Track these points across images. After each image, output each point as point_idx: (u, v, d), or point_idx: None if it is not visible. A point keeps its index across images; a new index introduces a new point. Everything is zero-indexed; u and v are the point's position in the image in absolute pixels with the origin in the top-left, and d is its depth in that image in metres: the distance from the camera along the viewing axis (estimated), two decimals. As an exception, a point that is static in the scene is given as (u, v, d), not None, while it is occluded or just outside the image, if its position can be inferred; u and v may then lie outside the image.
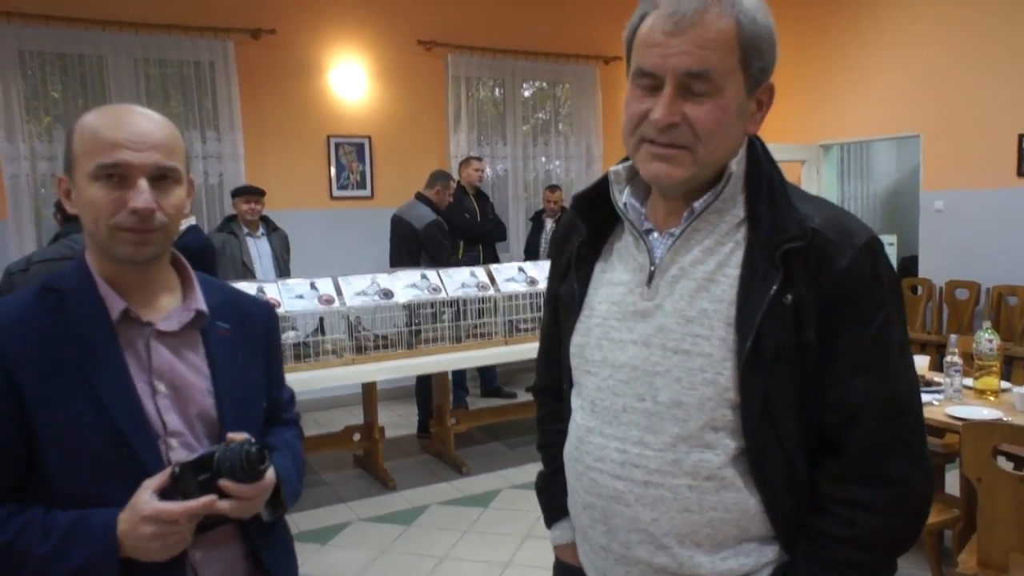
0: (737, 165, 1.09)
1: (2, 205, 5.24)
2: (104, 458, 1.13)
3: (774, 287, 1.02)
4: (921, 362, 3.49)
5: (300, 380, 4.18)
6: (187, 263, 1.30)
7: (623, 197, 1.17)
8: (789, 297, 1.02)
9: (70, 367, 1.13)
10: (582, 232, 1.20)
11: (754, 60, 1.03)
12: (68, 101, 5.51)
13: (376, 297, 4.45)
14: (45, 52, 5.38)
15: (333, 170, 6.32)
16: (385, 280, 4.53)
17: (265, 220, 5.31)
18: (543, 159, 7.20)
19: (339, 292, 4.39)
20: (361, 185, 6.43)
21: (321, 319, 4.56)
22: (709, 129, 1.02)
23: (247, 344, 1.32)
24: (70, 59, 5.46)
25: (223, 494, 1.13)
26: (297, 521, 4.03)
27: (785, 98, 7.03)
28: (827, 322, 1.03)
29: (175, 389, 1.20)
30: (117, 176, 1.13)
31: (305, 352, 4.27)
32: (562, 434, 1.28)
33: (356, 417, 5.04)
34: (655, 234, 1.14)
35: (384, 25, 6.37)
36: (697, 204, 1.09)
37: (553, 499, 1.35)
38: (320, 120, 6.23)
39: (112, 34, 5.46)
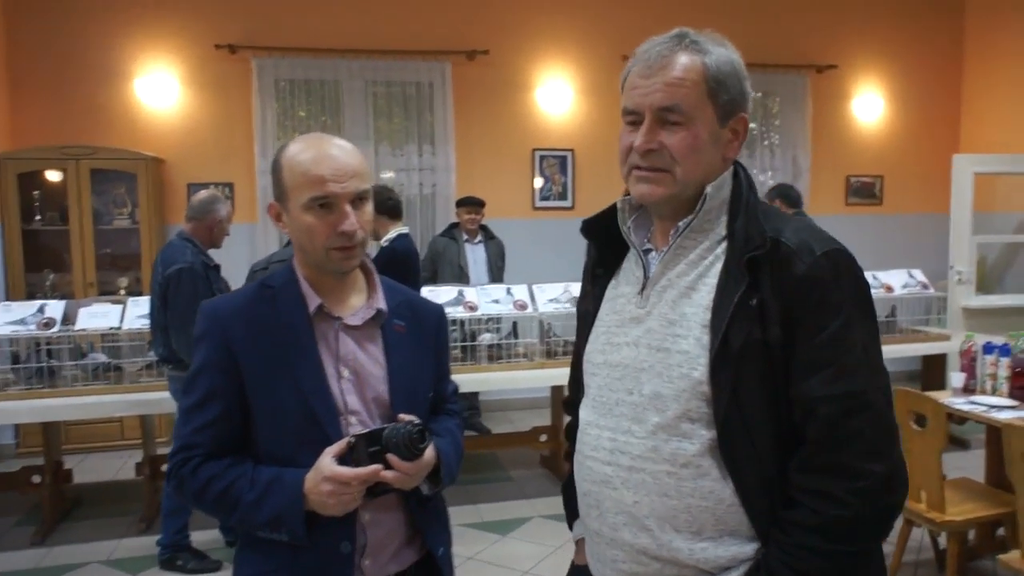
0: (717, 189, 1.24)
1: (255, 211, 6.08)
2: (298, 428, 1.39)
3: (741, 290, 1.16)
4: None
5: (493, 380, 4.51)
6: (373, 268, 1.54)
7: (628, 223, 1.34)
8: (754, 300, 1.15)
9: (277, 351, 1.40)
10: (592, 254, 1.40)
11: (721, 93, 1.20)
12: (311, 120, 6.28)
13: (568, 304, 4.65)
14: (295, 79, 6.17)
15: (537, 181, 6.63)
16: (577, 289, 4.71)
17: (484, 228, 5.76)
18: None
19: (533, 298, 4.66)
20: (562, 196, 6.69)
21: (515, 323, 4.85)
22: (683, 153, 1.19)
23: (419, 341, 1.54)
24: (313, 84, 6.22)
25: (388, 466, 1.35)
26: (482, 512, 4.32)
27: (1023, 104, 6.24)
28: (789, 322, 1.14)
29: (356, 375, 1.44)
30: (326, 204, 1.38)
31: (498, 353, 4.57)
32: None
33: (545, 419, 5.27)
34: (653, 253, 1.31)
35: (590, 42, 6.58)
36: (681, 223, 1.25)
37: (572, 500, 1.46)
38: (526, 134, 6.58)
39: (348, 60, 6.16)
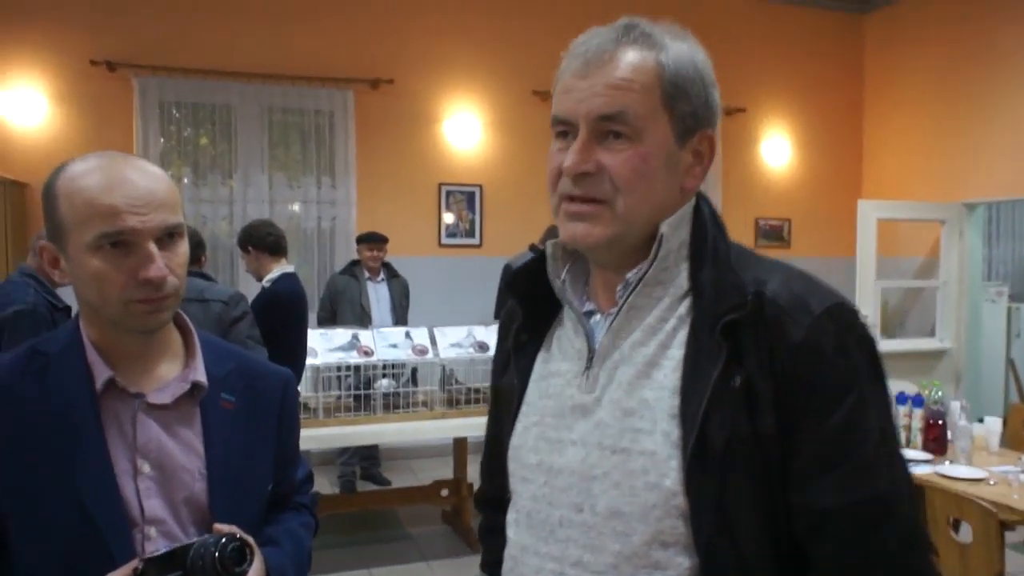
0: (673, 228, 0.94)
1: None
2: (72, 546, 1.03)
3: (718, 368, 0.87)
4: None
5: (389, 431, 4.15)
6: (191, 325, 1.20)
7: (562, 275, 1.03)
8: (737, 379, 0.86)
9: (45, 442, 1.04)
10: (519, 316, 1.06)
11: (680, 103, 0.92)
12: (208, 146, 5.83)
13: (471, 350, 4.35)
14: (182, 102, 5.71)
15: (444, 218, 6.35)
16: (481, 333, 4.43)
17: (387, 266, 5.41)
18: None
19: (434, 342, 4.33)
20: (470, 233, 6.43)
21: (414, 369, 4.50)
22: (627, 178, 0.90)
23: (255, 419, 1.21)
24: (203, 108, 5.77)
25: None
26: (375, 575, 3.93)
27: (921, 153, 6.51)
28: (785, 407, 0.86)
29: (161, 470, 1.10)
30: (121, 244, 1.04)
31: (395, 402, 4.20)
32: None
33: (449, 470, 4.92)
34: (597, 316, 1.00)
35: (500, 76, 6.39)
36: (630, 275, 0.95)
37: None
38: (432, 168, 6.30)
39: (242, 84, 5.75)
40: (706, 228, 0.96)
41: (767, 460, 0.87)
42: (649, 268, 0.94)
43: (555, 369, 1.02)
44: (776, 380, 0.86)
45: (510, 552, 1.03)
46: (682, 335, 0.92)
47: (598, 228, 0.92)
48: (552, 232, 5.58)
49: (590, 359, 0.97)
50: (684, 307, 0.94)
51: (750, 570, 0.87)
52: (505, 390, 1.09)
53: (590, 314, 1.01)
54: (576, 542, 0.93)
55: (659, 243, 0.94)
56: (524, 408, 1.04)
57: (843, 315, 0.89)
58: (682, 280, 0.95)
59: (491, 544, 1.19)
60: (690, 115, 0.93)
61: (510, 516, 1.05)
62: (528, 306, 1.06)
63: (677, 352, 0.92)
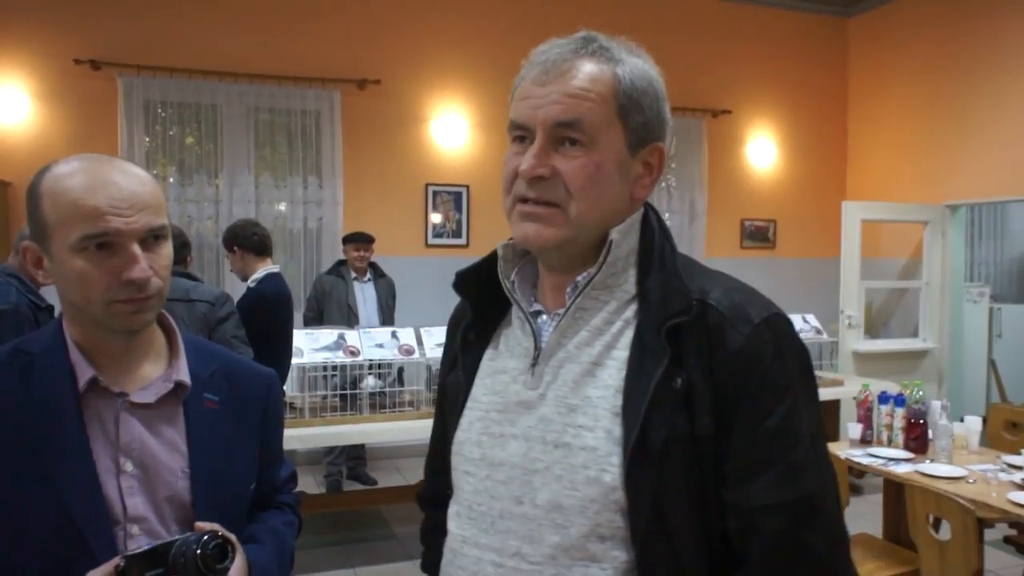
0: (623, 235, 0.98)
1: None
2: (53, 544, 1.03)
3: (661, 369, 0.91)
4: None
5: (375, 431, 4.14)
6: (175, 326, 1.21)
7: (512, 275, 1.06)
8: (679, 380, 0.91)
9: (26, 440, 1.05)
10: (468, 315, 1.09)
11: (634, 114, 0.96)
12: (186, 146, 5.80)
13: (457, 349, 4.35)
14: (167, 101, 5.69)
15: (430, 218, 6.35)
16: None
17: (373, 266, 5.42)
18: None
19: (420, 342, 4.34)
20: (457, 234, 6.43)
21: (400, 369, 4.51)
22: (580, 184, 0.94)
23: (239, 419, 1.22)
24: (188, 107, 5.75)
25: None
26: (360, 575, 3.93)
27: (905, 155, 6.56)
28: (722, 410, 0.91)
29: (144, 468, 1.10)
30: (106, 245, 1.05)
31: (382, 402, 4.20)
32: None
33: (434, 470, 4.93)
34: (544, 316, 1.04)
35: (486, 76, 6.39)
36: (580, 278, 0.99)
37: None
38: (419, 168, 6.30)
39: (227, 84, 5.73)
40: (654, 237, 1.00)
41: (703, 459, 0.91)
42: (597, 272, 0.98)
43: (502, 366, 1.05)
44: (715, 383, 0.91)
45: (450, 544, 1.05)
46: (627, 337, 0.96)
47: (550, 230, 0.95)
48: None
49: (536, 357, 1.00)
50: (630, 311, 0.97)
51: (683, 565, 0.91)
52: (451, 387, 1.11)
53: (537, 314, 1.04)
54: (515, 533, 0.96)
55: (608, 248, 0.97)
56: (469, 404, 1.07)
57: (780, 325, 0.94)
58: (629, 286, 0.99)
59: (433, 543, 1.20)
60: (642, 126, 0.97)
61: (452, 509, 1.07)
62: (477, 305, 1.09)
63: (622, 353, 0.95)
